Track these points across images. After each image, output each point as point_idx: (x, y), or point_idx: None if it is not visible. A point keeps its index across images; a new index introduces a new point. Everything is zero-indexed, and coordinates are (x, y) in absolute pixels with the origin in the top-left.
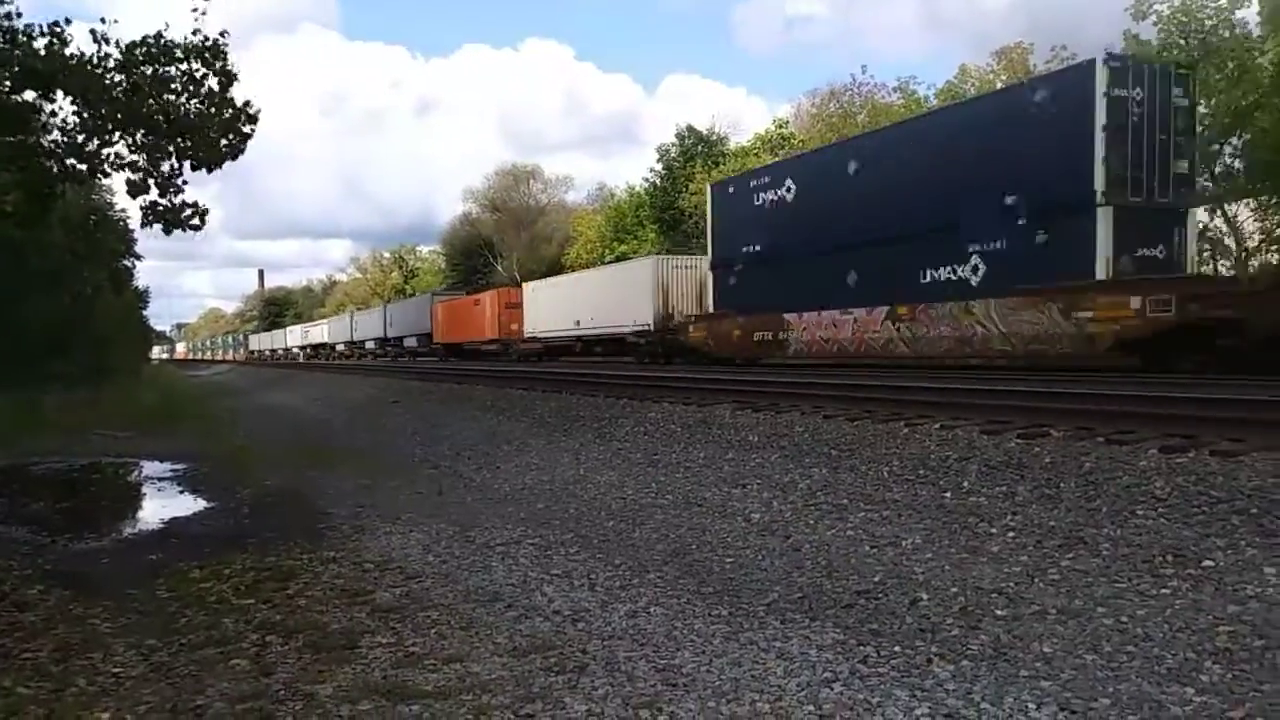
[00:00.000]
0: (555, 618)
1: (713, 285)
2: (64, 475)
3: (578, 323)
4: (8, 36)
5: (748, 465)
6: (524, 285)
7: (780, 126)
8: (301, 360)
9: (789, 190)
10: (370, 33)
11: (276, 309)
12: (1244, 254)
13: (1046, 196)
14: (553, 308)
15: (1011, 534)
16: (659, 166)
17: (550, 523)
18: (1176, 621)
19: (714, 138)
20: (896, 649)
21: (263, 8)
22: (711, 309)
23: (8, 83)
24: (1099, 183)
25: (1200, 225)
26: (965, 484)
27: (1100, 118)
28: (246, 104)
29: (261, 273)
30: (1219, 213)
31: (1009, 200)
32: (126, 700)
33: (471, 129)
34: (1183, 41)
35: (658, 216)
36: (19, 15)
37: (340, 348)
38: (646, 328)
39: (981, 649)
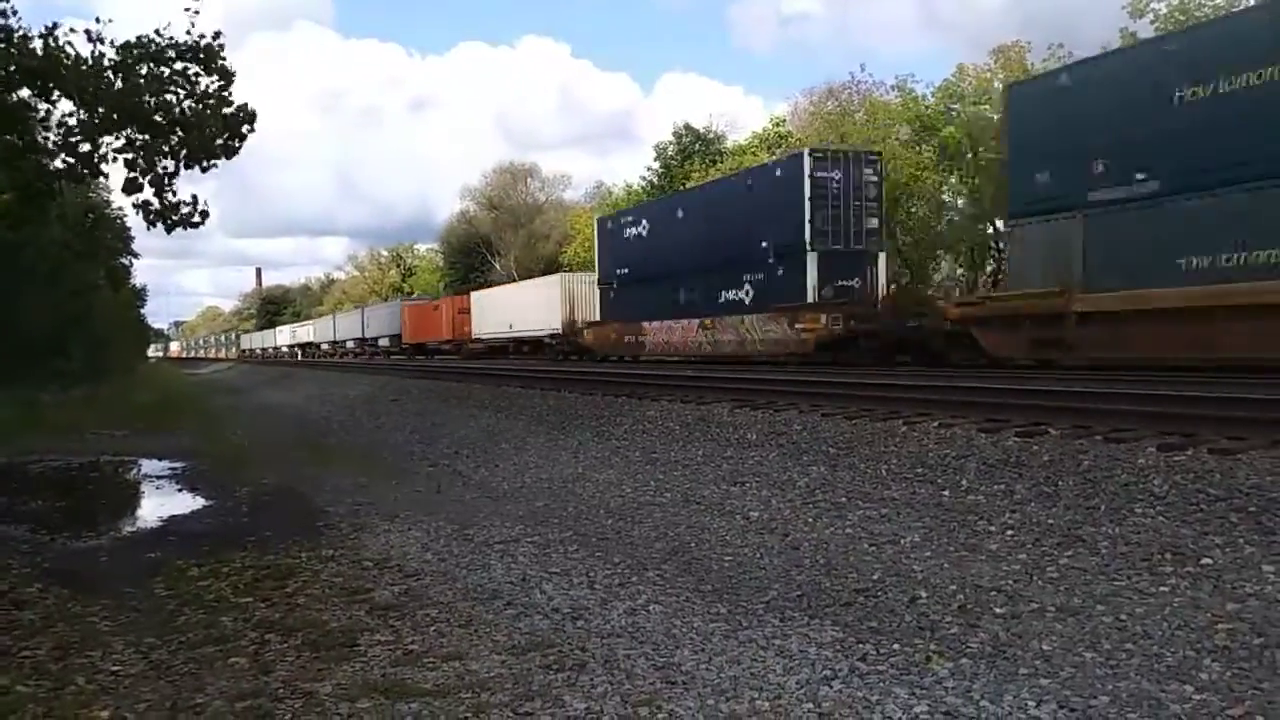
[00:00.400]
0: (554, 615)
1: (599, 299)
2: (62, 473)
3: (510, 326)
4: (3, 36)
5: (746, 463)
6: (471, 294)
7: (778, 125)
8: (289, 359)
9: (644, 228)
10: (366, 30)
11: (274, 307)
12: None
13: (782, 244)
14: (492, 314)
15: (1010, 532)
16: (656, 165)
17: (549, 521)
18: (1175, 619)
19: (711, 136)
20: (895, 647)
21: (257, 5)
22: (598, 318)
23: (3, 82)
24: (807, 235)
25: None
26: (964, 482)
27: (807, 191)
28: (244, 104)
29: (259, 271)
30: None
31: (764, 245)
32: (126, 698)
33: (468, 127)
34: None
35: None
36: (15, 13)
37: (325, 346)
38: (557, 331)
39: (981, 647)
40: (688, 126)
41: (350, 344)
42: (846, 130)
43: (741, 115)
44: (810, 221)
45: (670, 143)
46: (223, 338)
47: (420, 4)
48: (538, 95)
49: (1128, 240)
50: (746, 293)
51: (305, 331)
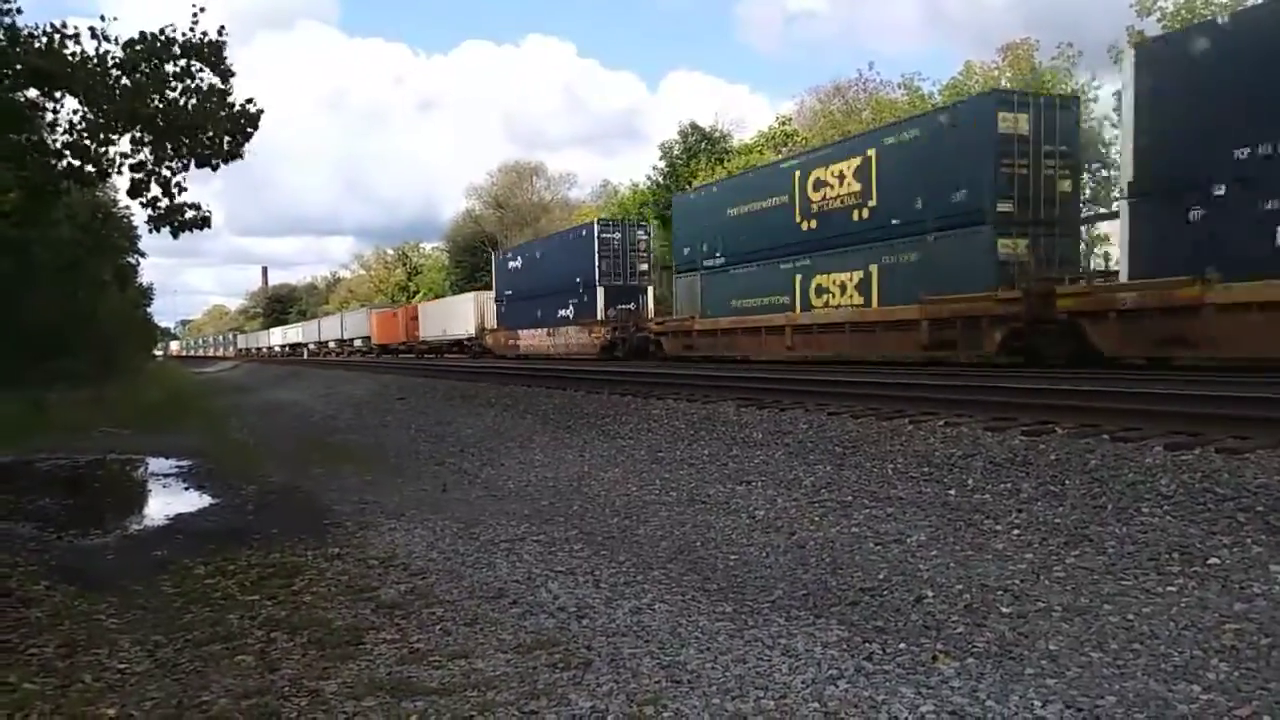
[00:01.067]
0: (560, 614)
1: (495, 311)
2: (69, 471)
3: (444, 331)
4: (10, 35)
5: (752, 462)
6: (419, 305)
7: (784, 123)
8: (282, 358)
9: (519, 263)
10: (371, 30)
11: (281, 306)
12: None
13: (585, 280)
14: (433, 321)
15: (1016, 531)
16: (662, 164)
17: (555, 519)
18: (1182, 619)
19: (717, 135)
20: (902, 646)
21: (260, 5)
22: (495, 325)
23: (9, 81)
24: (597, 275)
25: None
26: (970, 481)
27: (597, 248)
28: (248, 102)
29: (265, 270)
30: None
31: (577, 280)
32: (132, 696)
33: (473, 126)
34: None
35: (660, 214)
36: (20, 12)
37: (311, 346)
38: (471, 335)
39: (987, 646)
40: (694, 125)
41: (332, 344)
42: (850, 129)
43: (747, 114)
44: (598, 267)
45: (676, 142)
46: (220, 337)
47: (425, 3)
48: (543, 94)
49: (716, 289)
50: (570, 311)
51: (295, 333)
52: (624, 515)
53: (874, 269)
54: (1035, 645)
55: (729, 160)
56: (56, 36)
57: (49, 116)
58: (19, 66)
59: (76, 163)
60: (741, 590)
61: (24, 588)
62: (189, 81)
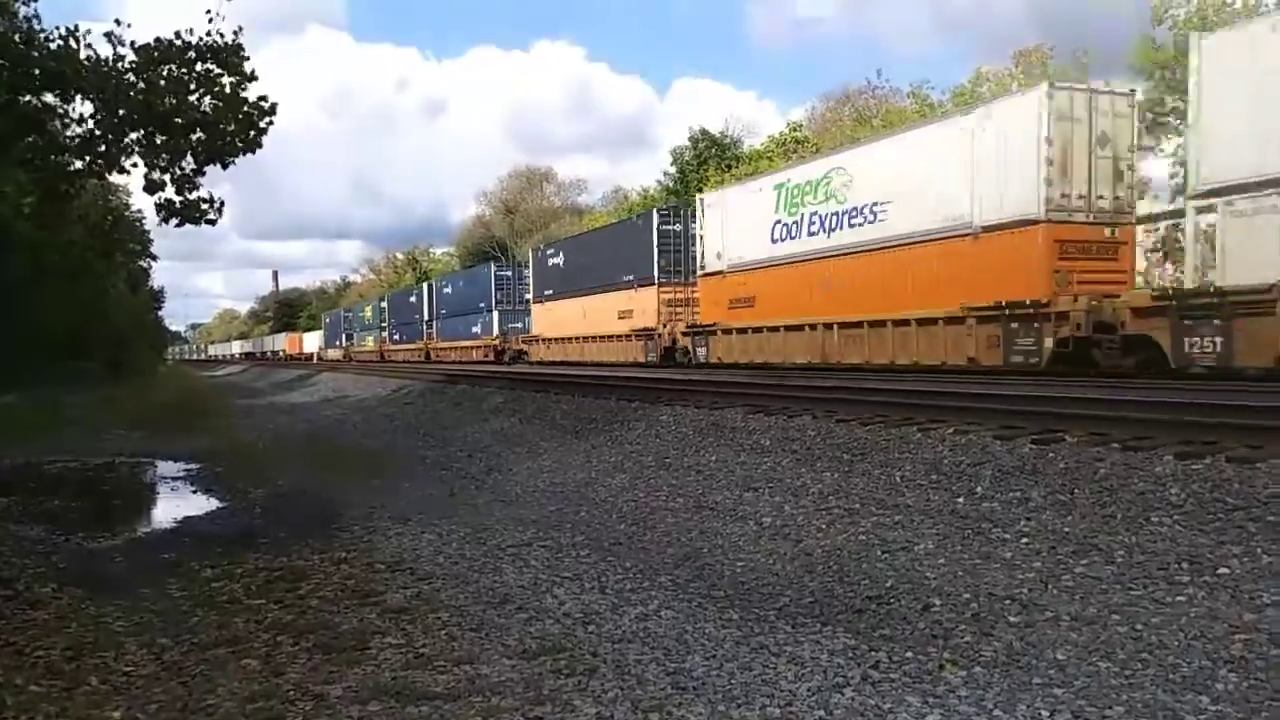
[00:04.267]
0: (565, 620)
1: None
2: (79, 474)
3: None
4: (26, 39)
5: (759, 469)
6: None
7: (794, 130)
8: (315, 361)
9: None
10: (380, 34)
11: (291, 310)
12: None
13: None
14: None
15: (1025, 540)
16: (672, 169)
17: (561, 525)
18: (1191, 629)
19: (727, 141)
20: (908, 654)
21: (269, 9)
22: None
23: (25, 84)
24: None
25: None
26: (978, 489)
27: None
28: (262, 98)
29: (276, 274)
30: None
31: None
32: (138, 699)
33: (482, 130)
34: None
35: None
36: (37, 18)
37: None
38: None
39: (994, 655)
40: (704, 131)
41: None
42: (861, 136)
43: (756, 120)
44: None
45: (686, 148)
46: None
47: (434, 8)
48: (552, 99)
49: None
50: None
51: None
52: (631, 521)
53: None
54: (1043, 655)
55: (739, 166)
56: (71, 40)
57: (63, 118)
58: (35, 70)
59: (90, 161)
60: (748, 597)
61: (31, 590)
62: (206, 85)
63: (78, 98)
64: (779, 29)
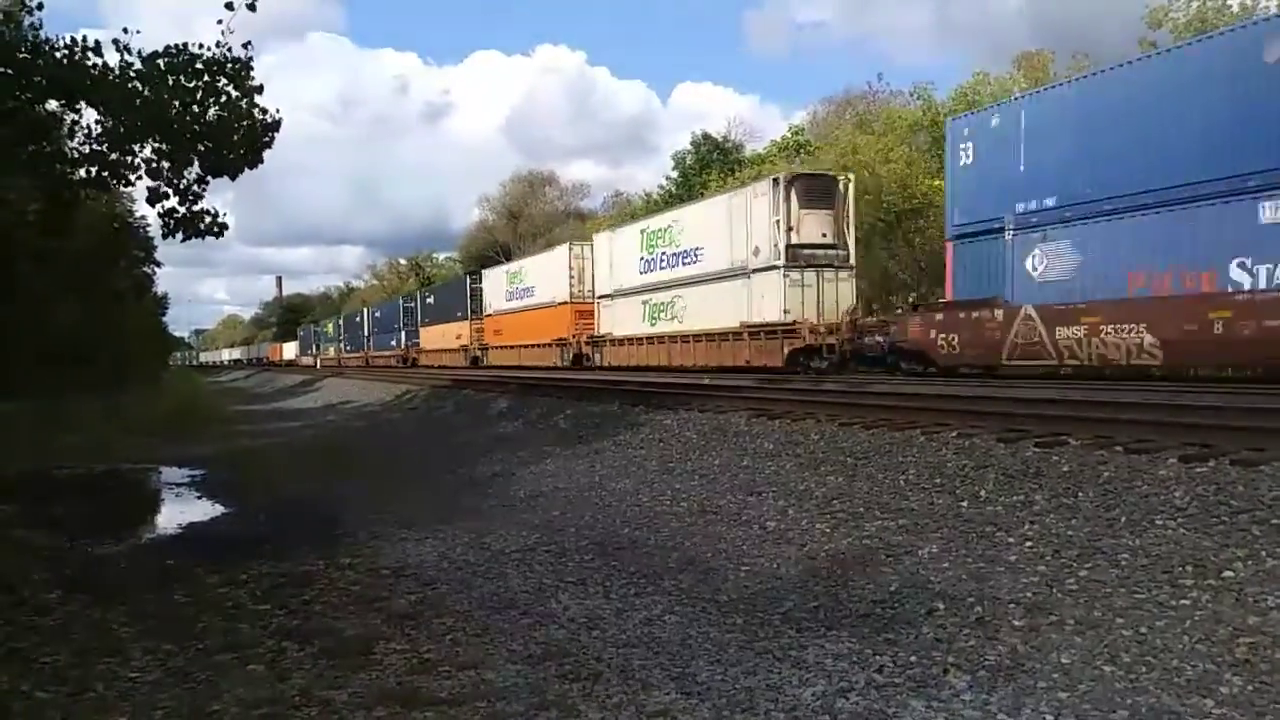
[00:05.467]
0: (570, 625)
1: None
2: (84, 480)
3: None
4: (32, 47)
5: (763, 473)
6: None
7: (796, 133)
8: (317, 367)
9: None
10: (380, 39)
11: (295, 315)
12: None
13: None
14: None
15: (1029, 543)
16: (674, 174)
17: (565, 530)
18: (1196, 633)
19: (729, 145)
20: (913, 659)
21: (271, 14)
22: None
23: (31, 93)
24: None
25: None
26: (982, 493)
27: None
28: (264, 110)
29: (280, 279)
30: None
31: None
32: (144, 705)
33: (484, 135)
34: None
35: None
36: (42, 26)
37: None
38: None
39: (999, 659)
40: (706, 135)
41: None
42: (858, 144)
43: (758, 124)
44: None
45: (689, 152)
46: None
47: (435, 13)
48: (553, 103)
49: None
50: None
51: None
52: (635, 526)
53: None
54: (1048, 658)
55: (742, 170)
56: (78, 49)
57: (68, 126)
58: (40, 79)
59: (95, 169)
60: (752, 602)
61: (37, 595)
62: (213, 97)
63: (83, 106)
64: (777, 34)
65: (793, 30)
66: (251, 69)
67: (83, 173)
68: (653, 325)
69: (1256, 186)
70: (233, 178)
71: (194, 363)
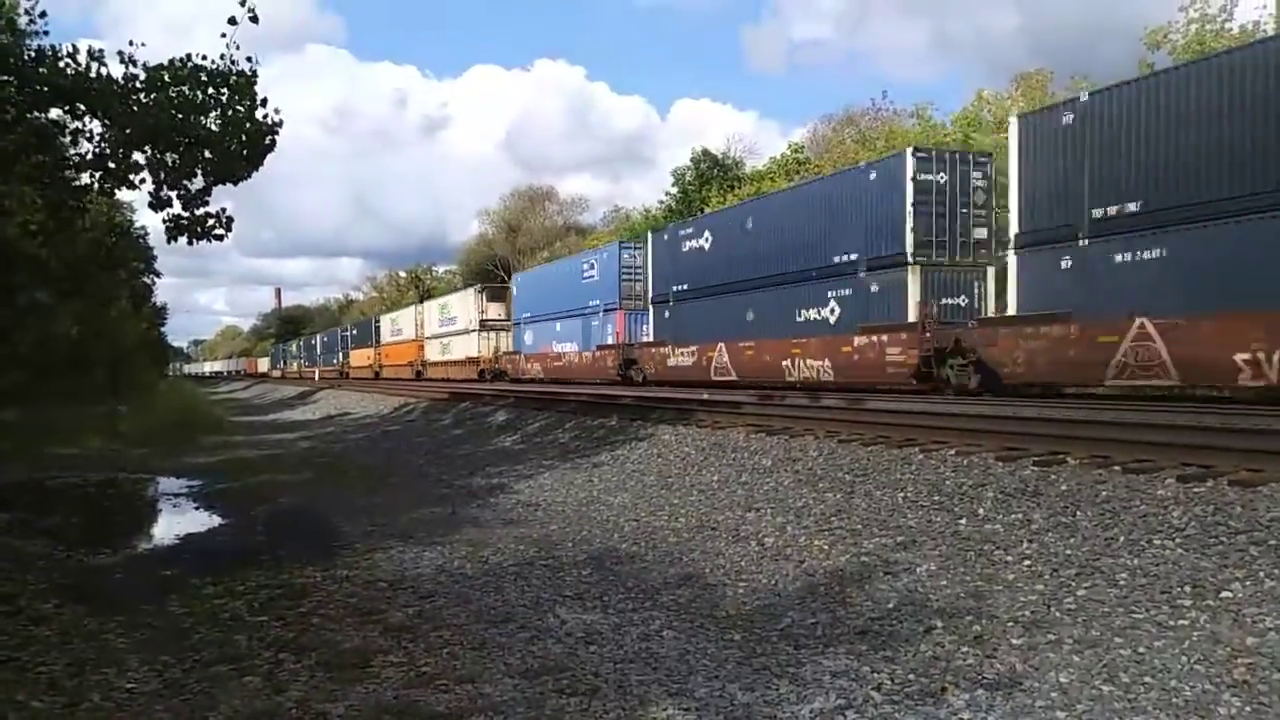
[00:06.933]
0: (567, 640)
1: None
2: (80, 490)
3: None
4: (36, 56)
5: (761, 489)
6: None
7: (796, 151)
8: (315, 379)
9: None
10: (380, 52)
11: (294, 326)
12: None
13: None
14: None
15: (1027, 562)
16: (674, 190)
17: (563, 544)
18: (1194, 653)
19: (729, 161)
20: (911, 677)
21: (270, 26)
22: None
23: (34, 101)
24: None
25: None
26: (981, 511)
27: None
28: (267, 116)
29: (279, 291)
30: None
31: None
32: (140, 716)
33: (482, 149)
34: None
35: None
36: (46, 34)
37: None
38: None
39: (997, 678)
40: (705, 152)
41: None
42: (861, 158)
43: (758, 141)
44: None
45: (688, 168)
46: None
47: (434, 27)
48: (552, 118)
49: None
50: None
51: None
52: (633, 541)
53: None
54: (1045, 677)
55: (741, 187)
56: (82, 58)
57: (71, 134)
58: (43, 87)
59: (99, 177)
60: (750, 618)
61: (33, 606)
62: (217, 108)
63: (86, 115)
64: (775, 50)
65: (791, 47)
66: (255, 81)
67: (86, 178)
68: (445, 355)
69: None
70: (235, 183)
71: (179, 373)
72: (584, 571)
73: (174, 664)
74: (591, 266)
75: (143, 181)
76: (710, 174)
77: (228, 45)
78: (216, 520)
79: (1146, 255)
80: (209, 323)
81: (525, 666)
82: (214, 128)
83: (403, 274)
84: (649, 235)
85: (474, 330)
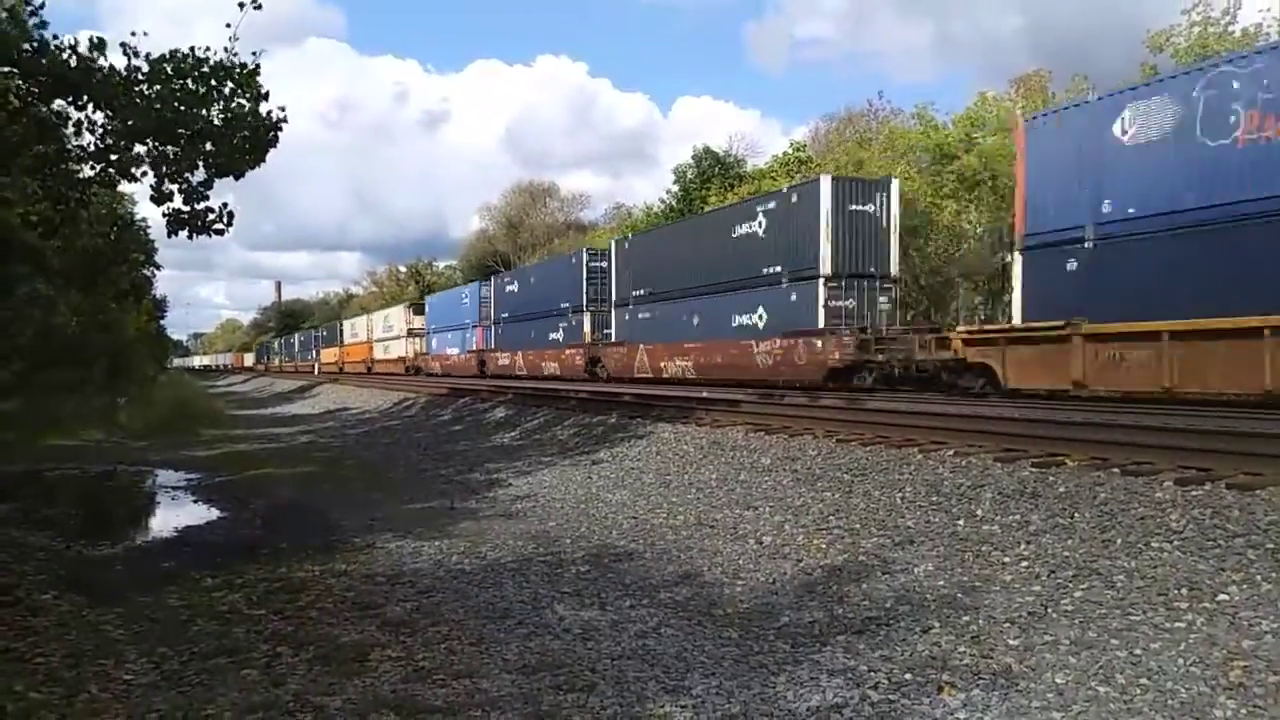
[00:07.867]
0: (565, 636)
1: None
2: (79, 482)
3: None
4: (38, 46)
5: (760, 488)
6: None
7: (798, 150)
8: (312, 373)
9: (295, 339)
10: (380, 46)
11: (294, 320)
12: None
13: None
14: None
15: (1025, 563)
16: (675, 188)
17: (561, 540)
18: (1190, 655)
19: (730, 160)
20: (907, 676)
21: (270, 19)
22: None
23: (36, 92)
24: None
25: None
26: (979, 511)
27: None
28: (271, 112)
29: (279, 284)
30: None
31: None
32: (138, 707)
33: (483, 144)
34: None
35: None
36: (46, 25)
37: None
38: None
39: (993, 678)
40: (707, 150)
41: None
42: (862, 158)
43: (760, 139)
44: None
45: (689, 166)
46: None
47: (435, 22)
48: (553, 114)
49: None
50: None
51: (210, 359)
52: (631, 538)
53: None
54: (1042, 678)
55: (742, 185)
56: (83, 48)
57: (74, 125)
58: (45, 78)
59: (100, 169)
60: (747, 616)
61: (32, 597)
62: (220, 101)
63: (89, 106)
64: (777, 48)
65: (792, 45)
66: (259, 74)
67: (88, 169)
68: (386, 354)
69: None
70: (237, 177)
71: (170, 366)
72: (582, 568)
73: (172, 656)
74: (465, 297)
75: (144, 174)
76: (712, 172)
77: (231, 35)
78: (215, 513)
79: None
80: (209, 316)
81: (523, 662)
82: (216, 121)
83: (402, 269)
84: (493, 279)
85: (404, 336)
